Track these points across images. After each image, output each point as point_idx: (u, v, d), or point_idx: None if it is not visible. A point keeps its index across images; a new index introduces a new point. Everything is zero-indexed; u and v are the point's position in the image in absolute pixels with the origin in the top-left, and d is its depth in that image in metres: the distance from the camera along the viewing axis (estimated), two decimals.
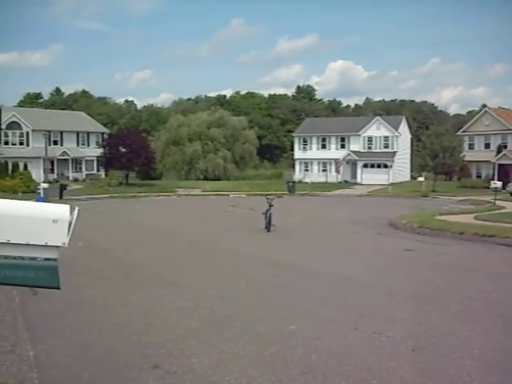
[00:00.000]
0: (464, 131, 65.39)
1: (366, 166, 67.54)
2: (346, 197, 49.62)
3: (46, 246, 3.98)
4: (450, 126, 68.70)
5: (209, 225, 27.02)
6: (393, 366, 7.02)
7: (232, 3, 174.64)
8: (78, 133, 70.73)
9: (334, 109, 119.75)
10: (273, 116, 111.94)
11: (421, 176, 53.57)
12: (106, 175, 62.97)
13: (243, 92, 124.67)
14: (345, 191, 55.73)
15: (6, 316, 9.44)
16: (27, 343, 7.86)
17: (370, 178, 65.15)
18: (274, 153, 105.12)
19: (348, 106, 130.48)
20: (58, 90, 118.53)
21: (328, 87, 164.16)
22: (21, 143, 63.29)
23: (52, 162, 62.51)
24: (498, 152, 58.07)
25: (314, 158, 72.47)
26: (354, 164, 68.52)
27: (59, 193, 43.44)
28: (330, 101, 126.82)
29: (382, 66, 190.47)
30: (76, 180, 64.18)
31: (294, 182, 54.22)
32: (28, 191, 44.73)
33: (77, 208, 4.25)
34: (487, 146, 62.20)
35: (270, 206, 23.84)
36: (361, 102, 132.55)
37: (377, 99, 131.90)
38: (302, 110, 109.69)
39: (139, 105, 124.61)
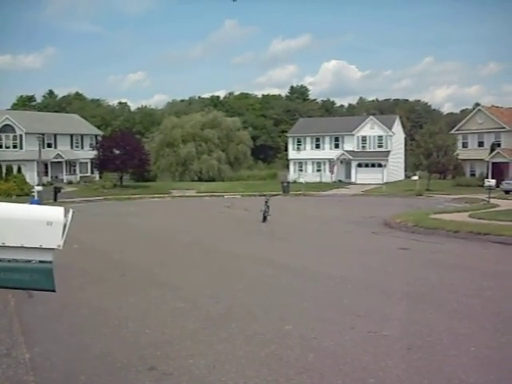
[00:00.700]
0: (458, 130, 65.55)
1: (360, 165, 67.60)
2: (340, 196, 49.64)
3: (40, 248, 3.96)
4: (444, 125, 68.73)
5: (204, 226, 27.00)
6: (389, 365, 7.03)
7: (225, 4, 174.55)
8: (71, 135, 70.54)
9: (327, 109, 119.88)
10: (267, 116, 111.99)
11: (415, 175, 53.67)
12: (100, 177, 62.89)
13: (237, 93, 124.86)
14: (339, 191, 55.77)
15: (2, 319, 9.42)
16: (23, 346, 7.84)
17: (364, 177, 65.23)
18: (268, 153, 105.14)
19: (342, 106, 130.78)
20: (51, 93, 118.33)
21: (322, 87, 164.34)
22: (14, 146, 63.04)
23: (46, 165, 62.28)
24: (492, 150, 58.23)
25: (308, 158, 72.48)
26: (348, 164, 68.57)
27: (53, 195, 43.36)
28: (324, 101, 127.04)
29: (375, 65, 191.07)
30: (70, 182, 64.00)
31: (288, 183, 54.30)
32: (22, 194, 44.66)
33: (71, 210, 4.24)
34: (481, 144, 62.35)
35: (266, 202, 27.25)
36: (354, 102, 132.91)
37: (370, 99, 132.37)
38: (295, 110, 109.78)
39: (133, 106, 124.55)
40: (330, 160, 68.18)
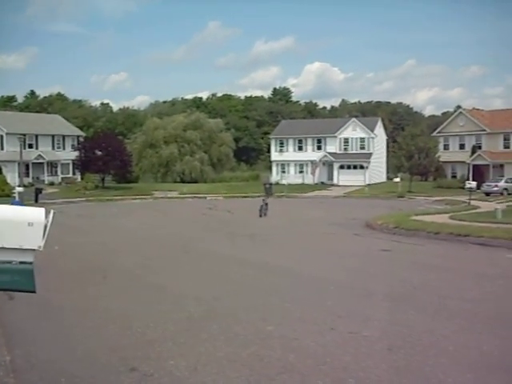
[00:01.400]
0: (439, 132, 66.09)
1: (342, 167, 67.90)
2: (322, 198, 49.83)
3: (21, 249, 3.96)
4: (426, 127, 69.38)
5: (186, 227, 26.96)
6: (369, 365, 7.08)
7: (209, 6, 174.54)
8: (53, 136, 70.09)
9: (310, 111, 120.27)
10: (249, 118, 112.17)
11: (397, 177, 54.08)
12: (82, 178, 62.50)
13: (220, 94, 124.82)
14: (321, 193, 55.99)
15: None
16: (3, 348, 7.78)
17: (346, 179, 65.55)
18: (251, 155, 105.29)
19: (324, 108, 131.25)
20: (32, 93, 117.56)
21: (304, 89, 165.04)
22: None
23: (27, 166, 61.79)
24: (473, 153, 58.79)
25: (290, 159, 72.66)
26: (330, 165, 68.85)
27: (34, 196, 43.07)
28: (307, 103, 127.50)
29: (358, 67, 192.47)
30: (51, 184, 63.57)
31: (270, 184, 54.34)
32: (3, 195, 44.24)
33: (52, 211, 4.24)
34: (462, 146, 62.92)
35: (264, 200, 32.16)
36: (337, 104, 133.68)
37: (353, 101, 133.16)
38: (278, 111, 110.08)
39: (115, 107, 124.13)
40: (312, 162, 68.38)
